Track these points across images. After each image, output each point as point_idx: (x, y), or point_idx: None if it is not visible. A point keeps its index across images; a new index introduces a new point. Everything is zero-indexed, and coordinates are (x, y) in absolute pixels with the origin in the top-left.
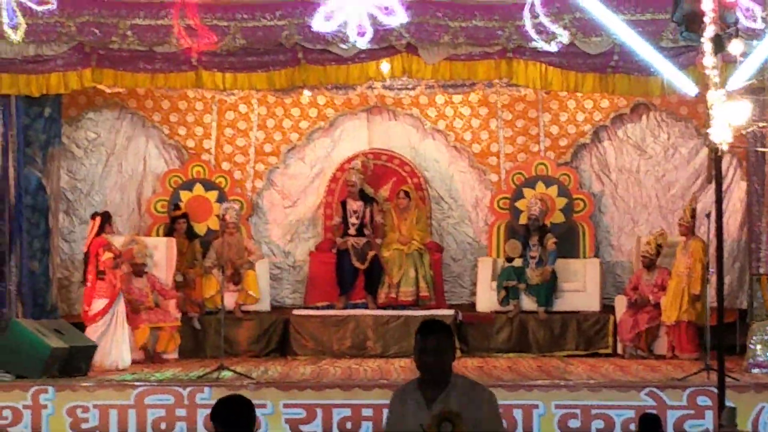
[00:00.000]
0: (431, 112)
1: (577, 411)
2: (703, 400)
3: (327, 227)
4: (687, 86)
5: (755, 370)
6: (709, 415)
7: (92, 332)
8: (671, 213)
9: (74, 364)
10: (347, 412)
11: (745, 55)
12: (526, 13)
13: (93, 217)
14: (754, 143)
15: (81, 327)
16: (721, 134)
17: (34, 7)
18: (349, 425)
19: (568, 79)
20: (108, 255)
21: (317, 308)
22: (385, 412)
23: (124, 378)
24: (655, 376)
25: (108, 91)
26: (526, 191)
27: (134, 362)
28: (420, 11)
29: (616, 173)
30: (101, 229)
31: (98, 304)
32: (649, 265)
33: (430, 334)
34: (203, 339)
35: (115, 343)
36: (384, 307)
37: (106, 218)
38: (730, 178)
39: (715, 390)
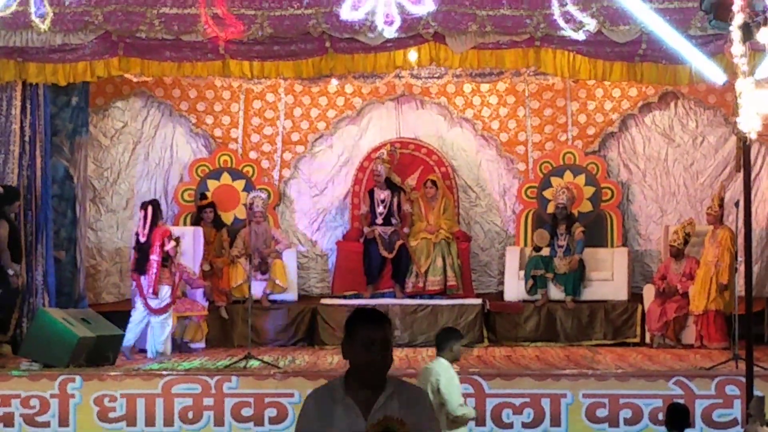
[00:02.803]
0: (459, 101)
1: (605, 400)
2: (731, 390)
3: (354, 216)
4: (715, 75)
5: None
6: (738, 404)
7: (159, 320)
8: (700, 202)
9: (101, 353)
10: None
11: None
12: (554, 2)
13: (143, 207)
14: None
15: (108, 316)
16: (750, 123)
17: None
18: None
19: (596, 68)
20: (173, 243)
21: (345, 297)
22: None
23: (152, 367)
24: (683, 366)
25: (135, 79)
26: (554, 180)
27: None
28: (447, 0)
29: (644, 162)
30: (155, 218)
31: (165, 291)
32: (677, 254)
33: (377, 325)
34: (230, 328)
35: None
36: (411, 297)
37: (156, 206)
38: (758, 167)
39: (744, 379)
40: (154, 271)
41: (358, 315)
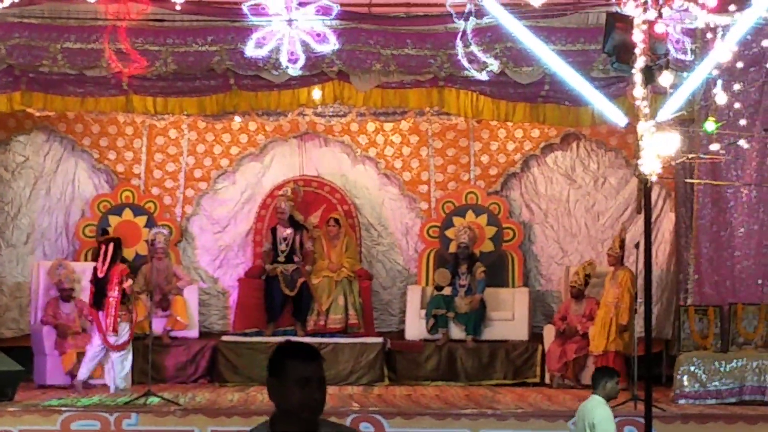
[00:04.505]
0: (362, 140)
1: None
2: (630, 431)
3: (256, 253)
4: (617, 117)
5: (682, 401)
6: None
7: (118, 358)
8: (601, 243)
9: (0, 388)
10: None
11: (674, 86)
12: (458, 42)
13: (104, 242)
14: (683, 175)
15: (7, 351)
16: (651, 165)
17: None
18: None
19: (499, 109)
20: (130, 282)
21: (245, 335)
22: None
23: (50, 403)
24: None
25: (37, 114)
26: (456, 220)
27: (60, 387)
28: (352, 39)
29: (546, 202)
30: (115, 255)
31: (123, 328)
32: (578, 294)
33: (312, 361)
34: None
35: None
36: (312, 335)
37: (117, 244)
38: (659, 209)
39: (642, 420)
40: (113, 309)
41: (289, 350)
